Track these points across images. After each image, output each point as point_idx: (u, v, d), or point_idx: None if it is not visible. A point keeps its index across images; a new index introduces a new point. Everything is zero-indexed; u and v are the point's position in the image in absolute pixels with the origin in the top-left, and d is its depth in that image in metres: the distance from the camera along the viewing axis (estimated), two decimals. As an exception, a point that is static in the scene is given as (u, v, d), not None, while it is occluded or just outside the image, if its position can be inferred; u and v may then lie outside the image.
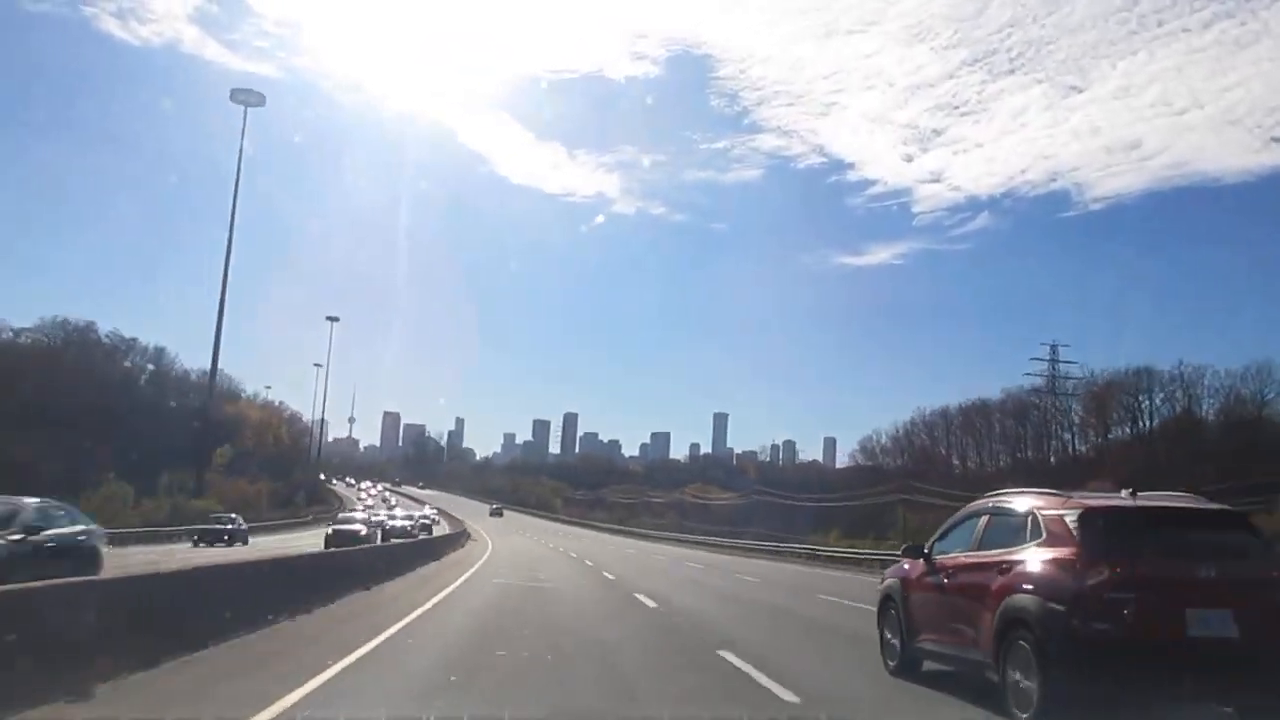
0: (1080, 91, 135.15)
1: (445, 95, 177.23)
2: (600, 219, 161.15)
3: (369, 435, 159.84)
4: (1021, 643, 6.39)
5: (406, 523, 49.29)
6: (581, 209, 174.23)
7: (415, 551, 24.93)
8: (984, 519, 7.76)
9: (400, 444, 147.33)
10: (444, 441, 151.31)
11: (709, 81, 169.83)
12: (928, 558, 8.38)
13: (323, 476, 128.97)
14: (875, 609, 9.49)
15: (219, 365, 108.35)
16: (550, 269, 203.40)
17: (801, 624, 13.97)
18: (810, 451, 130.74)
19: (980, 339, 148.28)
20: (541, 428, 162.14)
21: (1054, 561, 6.41)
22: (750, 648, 9.85)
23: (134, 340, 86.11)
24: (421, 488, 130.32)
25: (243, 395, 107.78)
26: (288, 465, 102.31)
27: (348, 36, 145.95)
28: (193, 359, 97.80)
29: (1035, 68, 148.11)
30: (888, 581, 9.22)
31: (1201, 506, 6.86)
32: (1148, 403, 64.45)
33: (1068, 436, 71.39)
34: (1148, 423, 63.89)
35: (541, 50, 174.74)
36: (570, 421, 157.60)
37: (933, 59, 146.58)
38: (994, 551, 7.23)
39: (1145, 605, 5.87)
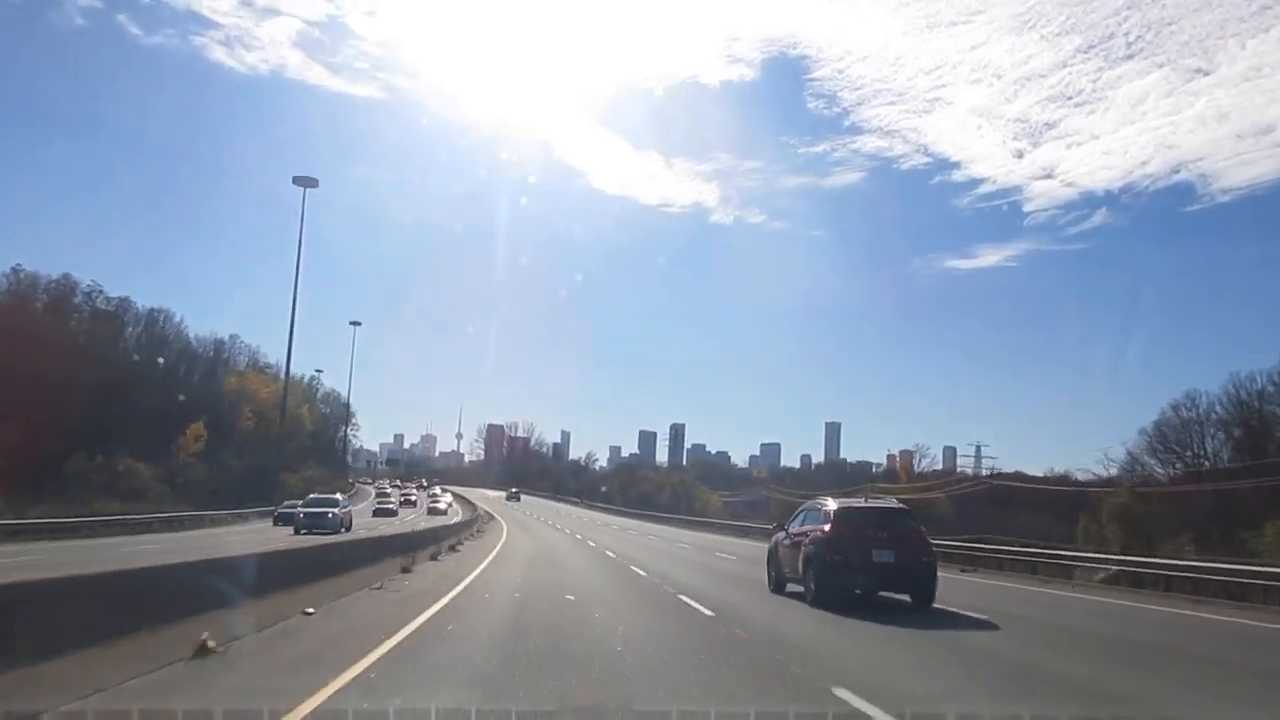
0: (1206, 74, 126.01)
1: (541, 109, 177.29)
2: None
3: (478, 449, 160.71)
4: (810, 568, 14.15)
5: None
6: (679, 219, 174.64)
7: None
8: (807, 511, 15.57)
9: (505, 456, 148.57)
10: (550, 454, 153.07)
11: (806, 83, 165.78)
12: (786, 530, 16.17)
13: (377, 481, 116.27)
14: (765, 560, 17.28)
15: (237, 336, 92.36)
16: (650, 281, 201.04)
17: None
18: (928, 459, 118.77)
19: (1100, 342, 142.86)
20: (648, 439, 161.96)
21: (823, 530, 14.17)
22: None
23: (125, 299, 74.46)
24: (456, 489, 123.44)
25: (268, 370, 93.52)
26: (307, 453, 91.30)
27: (446, 55, 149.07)
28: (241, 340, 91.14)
29: (1155, 51, 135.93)
30: (769, 544, 17.04)
31: (889, 505, 14.70)
32: None
33: None
34: None
35: (636, 59, 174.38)
36: (677, 433, 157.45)
37: (1043, 47, 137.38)
38: (807, 526, 15.00)
39: (853, 549, 13.60)
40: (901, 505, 15.06)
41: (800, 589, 14.80)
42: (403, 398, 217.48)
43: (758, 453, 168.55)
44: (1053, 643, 11.07)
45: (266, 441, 72.93)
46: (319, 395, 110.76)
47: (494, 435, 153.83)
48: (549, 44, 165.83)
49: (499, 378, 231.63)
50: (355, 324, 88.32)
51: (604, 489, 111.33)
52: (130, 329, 75.71)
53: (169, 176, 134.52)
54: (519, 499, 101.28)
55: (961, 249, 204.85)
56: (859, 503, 15.06)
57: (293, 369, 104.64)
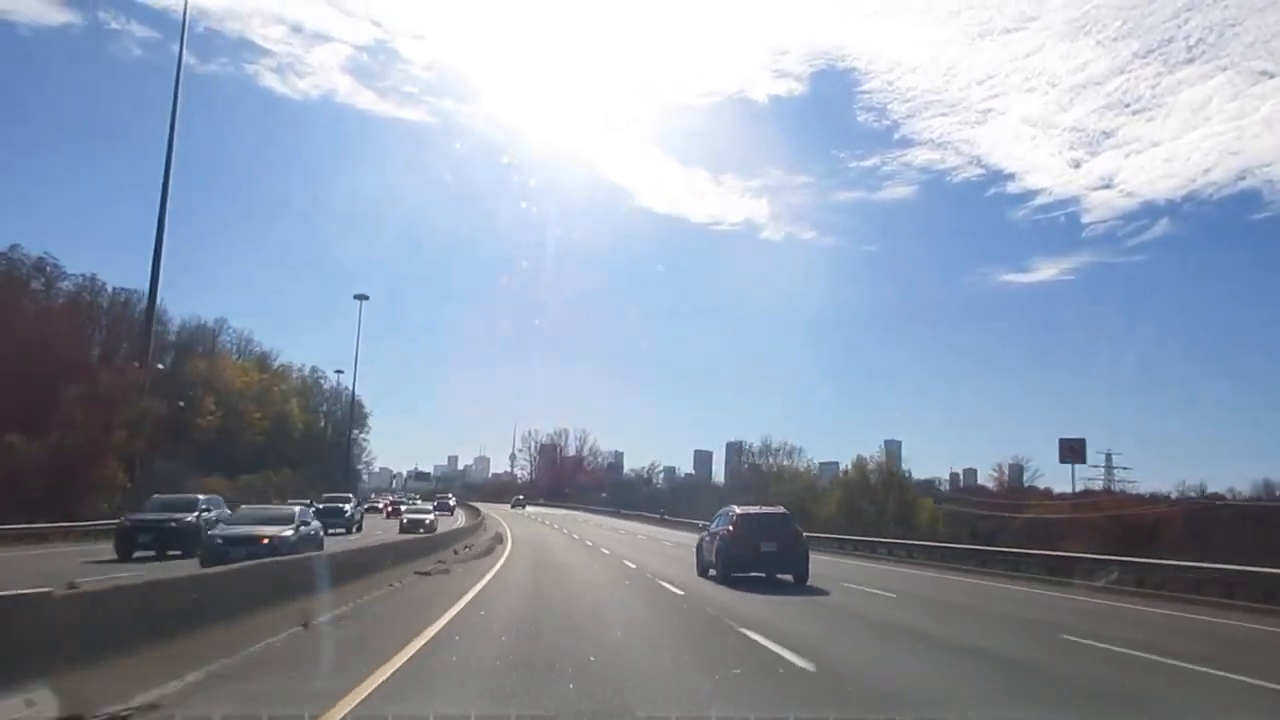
0: (1271, 77, 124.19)
1: (588, 127, 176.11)
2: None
3: (526, 466, 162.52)
4: (719, 557, 19.84)
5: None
6: (729, 237, 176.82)
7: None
8: (720, 516, 21.28)
9: (555, 469, 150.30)
10: (605, 468, 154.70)
11: (855, 96, 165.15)
12: (708, 530, 21.83)
13: (408, 495, 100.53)
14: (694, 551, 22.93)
15: (224, 319, 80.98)
16: (700, 299, 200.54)
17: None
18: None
19: (1162, 357, 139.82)
20: (703, 458, 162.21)
21: (728, 529, 19.92)
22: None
23: (92, 278, 62.73)
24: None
25: (253, 356, 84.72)
26: (281, 455, 77.88)
27: (493, 77, 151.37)
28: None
29: (1218, 54, 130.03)
30: (697, 539, 22.70)
31: (777, 511, 20.48)
32: None
33: None
34: None
35: (683, 75, 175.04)
36: (733, 451, 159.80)
37: (1100, 54, 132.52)
38: (719, 527, 20.73)
39: (747, 541, 19.41)
40: (786, 511, 20.90)
41: (712, 573, 20.51)
42: (456, 421, 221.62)
43: (816, 471, 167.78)
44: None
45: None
46: (326, 392, 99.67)
47: (545, 453, 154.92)
48: (596, 62, 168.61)
49: (550, 399, 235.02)
50: (361, 298, 77.19)
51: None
52: (106, 311, 65.48)
53: (208, 190, 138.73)
54: (524, 507, 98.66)
55: (1017, 262, 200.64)
56: (756, 509, 20.88)
57: (300, 362, 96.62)
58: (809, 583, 19.26)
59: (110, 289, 64.77)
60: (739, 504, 22.13)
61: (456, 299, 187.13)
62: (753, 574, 19.51)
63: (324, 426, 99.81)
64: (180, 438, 58.93)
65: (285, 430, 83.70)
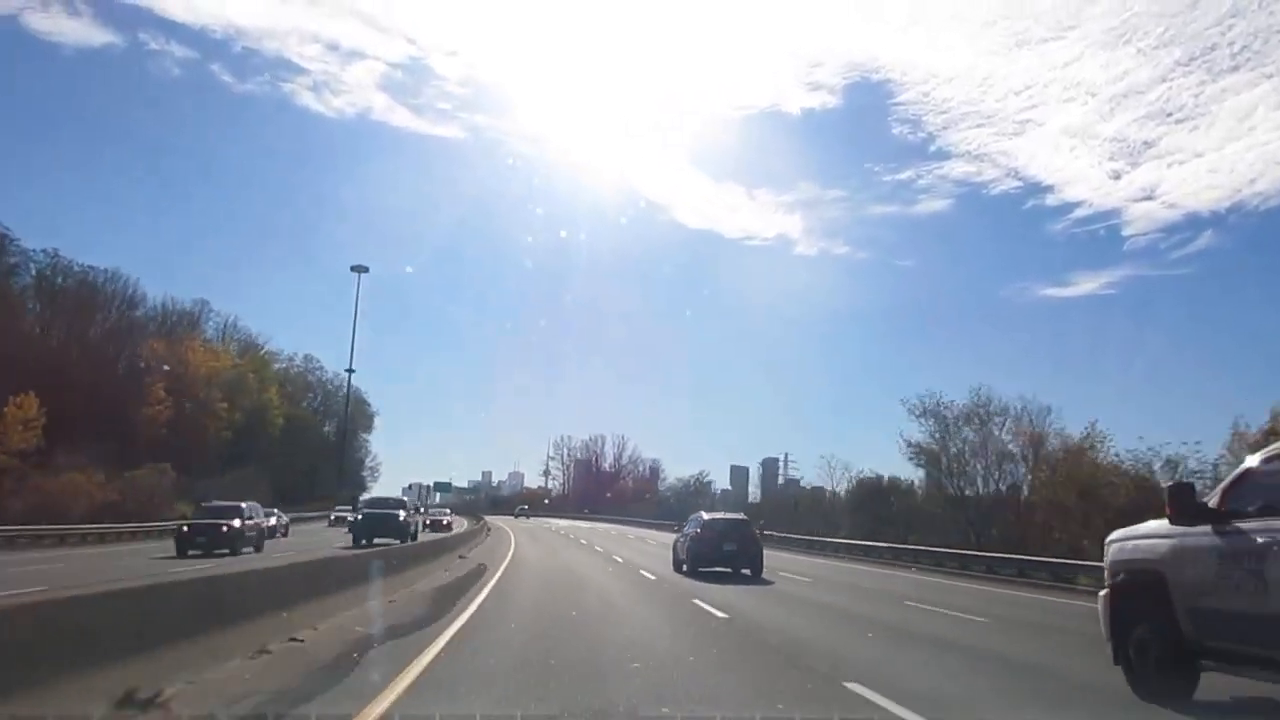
0: None
1: (622, 142, 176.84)
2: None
3: (559, 479, 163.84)
4: (688, 554, 24.24)
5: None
6: (761, 252, 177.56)
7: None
8: (691, 520, 25.66)
9: (591, 479, 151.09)
10: (645, 477, 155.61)
11: (889, 108, 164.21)
12: (681, 531, 26.16)
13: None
14: (672, 548, 27.23)
15: (205, 301, 73.43)
16: (734, 315, 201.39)
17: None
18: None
19: (1211, 375, 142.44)
20: (740, 473, 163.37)
21: (696, 531, 24.40)
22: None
23: (54, 254, 59.56)
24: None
25: (234, 340, 78.28)
26: (260, 453, 70.76)
27: (525, 92, 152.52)
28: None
29: (1263, 61, 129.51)
30: (674, 539, 27.01)
31: (736, 517, 25.00)
32: None
33: None
34: None
35: (716, 90, 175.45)
36: (770, 466, 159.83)
37: (1141, 62, 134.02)
38: (690, 529, 25.21)
39: (711, 541, 23.84)
40: (745, 517, 25.35)
41: (684, 567, 24.83)
42: (490, 437, 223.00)
43: (854, 487, 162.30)
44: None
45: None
46: (327, 386, 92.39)
47: (580, 464, 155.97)
48: (628, 78, 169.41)
49: (581, 415, 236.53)
50: (360, 269, 62.63)
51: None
52: (74, 293, 61.78)
53: (243, 204, 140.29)
54: (528, 516, 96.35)
55: (1056, 276, 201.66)
56: (720, 514, 25.35)
57: (292, 350, 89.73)
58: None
59: (76, 266, 61.93)
60: (706, 510, 26.54)
61: (490, 316, 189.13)
62: (715, 568, 23.79)
63: (320, 425, 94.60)
64: (123, 429, 53.78)
65: (262, 425, 75.81)
